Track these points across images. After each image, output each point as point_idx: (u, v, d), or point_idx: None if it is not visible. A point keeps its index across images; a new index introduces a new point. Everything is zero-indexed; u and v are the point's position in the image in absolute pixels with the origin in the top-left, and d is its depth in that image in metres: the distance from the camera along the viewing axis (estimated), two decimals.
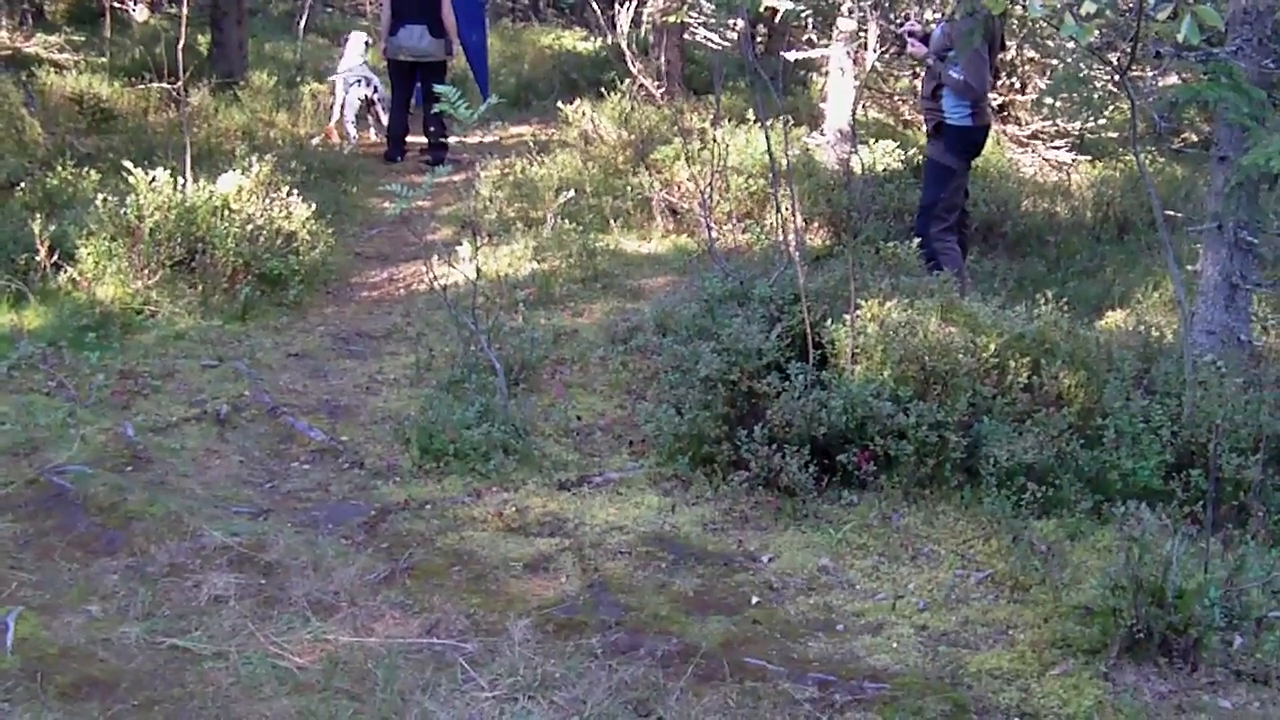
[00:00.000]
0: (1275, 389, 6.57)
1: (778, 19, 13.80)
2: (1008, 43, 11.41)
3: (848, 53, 13.64)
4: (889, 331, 6.88)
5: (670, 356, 7.56)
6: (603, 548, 5.94)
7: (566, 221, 11.26)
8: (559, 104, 15.39)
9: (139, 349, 8.32)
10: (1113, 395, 6.55)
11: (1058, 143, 15.75)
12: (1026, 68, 15.64)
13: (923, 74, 10.32)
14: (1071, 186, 14.36)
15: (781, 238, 8.88)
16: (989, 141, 10.49)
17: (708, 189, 10.84)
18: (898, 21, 13.90)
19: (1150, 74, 12.16)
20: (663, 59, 18.24)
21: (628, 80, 15.68)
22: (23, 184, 10.80)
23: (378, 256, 11.39)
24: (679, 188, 12.28)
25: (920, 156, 12.75)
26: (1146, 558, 4.88)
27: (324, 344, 8.94)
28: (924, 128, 10.60)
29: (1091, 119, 14.69)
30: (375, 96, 15.56)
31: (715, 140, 11.40)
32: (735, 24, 14.88)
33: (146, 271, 8.97)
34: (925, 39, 10.07)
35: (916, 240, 9.66)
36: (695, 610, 5.38)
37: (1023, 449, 6.23)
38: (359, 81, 15.22)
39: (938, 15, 13.28)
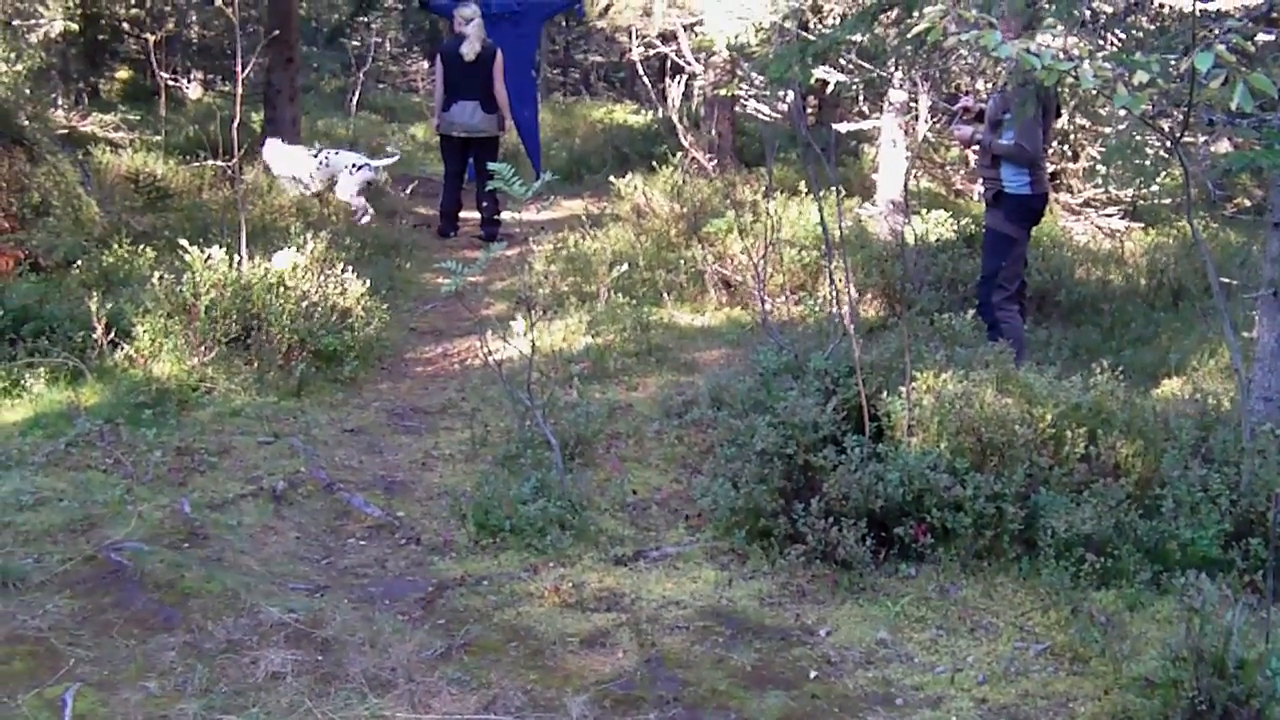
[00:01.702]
0: None
1: (829, 91, 13.85)
2: (1061, 110, 11.39)
3: (899, 124, 13.67)
4: (945, 403, 6.87)
5: (726, 430, 7.56)
6: (660, 622, 5.92)
7: (620, 295, 11.28)
8: (611, 178, 15.46)
9: (195, 426, 8.34)
10: (1170, 464, 6.52)
11: (1110, 210, 15.74)
12: (1078, 136, 15.63)
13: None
14: (1125, 254, 14.32)
15: (835, 310, 8.88)
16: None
17: (761, 261, 10.85)
18: (948, 95, 13.94)
19: (1203, 140, 12.14)
20: (714, 131, 18.32)
21: (679, 153, 15.75)
22: (79, 262, 10.87)
23: (432, 332, 11.43)
24: (732, 260, 12.30)
25: (974, 226, 12.76)
26: (1207, 628, 4.84)
27: (379, 420, 8.96)
28: (978, 196, 10.57)
29: (1144, 186, 14.67)
30: (376, 177, 15.32)
31: (768, 212, 11.41)
32: (786, 96, 14.94)
33: (203, 349, 9.02)
34: (980, 115, 10.04)
35: (974, 311, 9.65)
36: (753, 685, 5.35)
37: (1081, 520, 6.19)
38: (363, 167, 15.01)
39: (989, 85, 13.30)
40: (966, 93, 13.34)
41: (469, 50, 14.47)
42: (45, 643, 5.36)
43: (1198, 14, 6.42)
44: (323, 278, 10.05)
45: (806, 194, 13.42)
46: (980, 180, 10.45)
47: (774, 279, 11.74)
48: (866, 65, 13.34)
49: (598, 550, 6.78)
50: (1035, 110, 8.85)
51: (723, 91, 17.08)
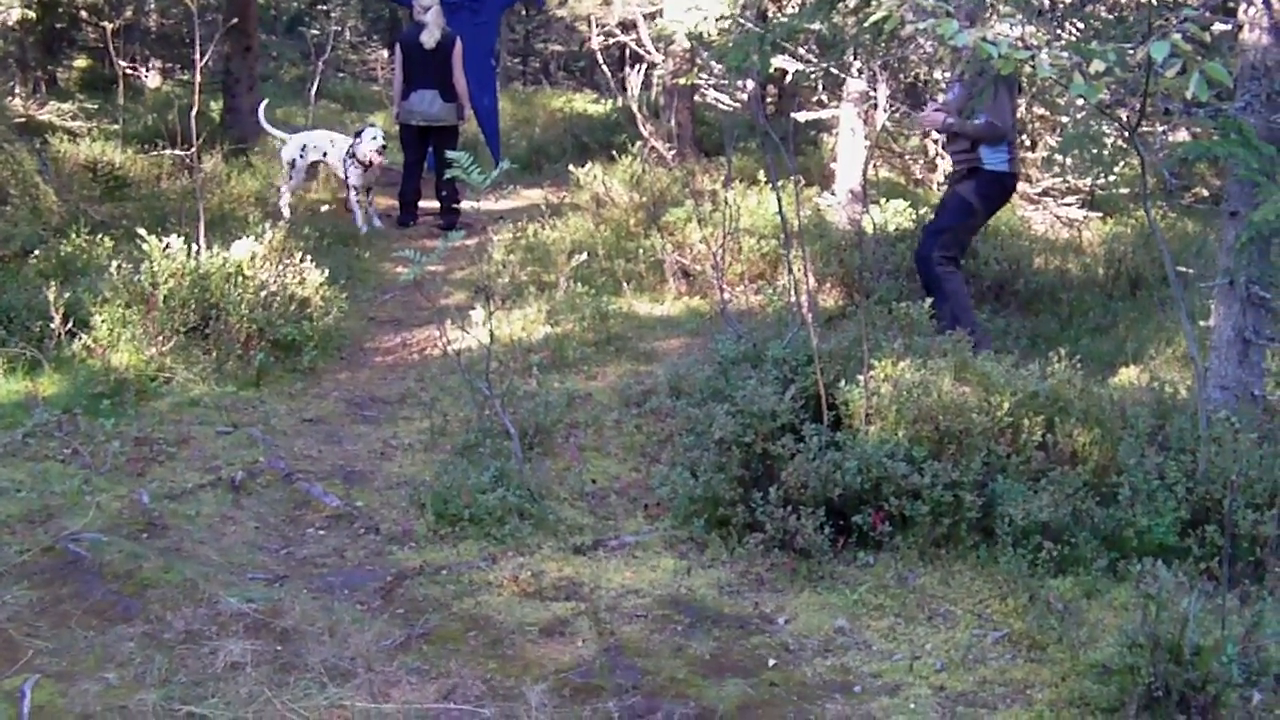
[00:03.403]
0: None
1: (788, 80, 13.88)
2: (1022, 87, 11.43)
3: (858, 113, 13.70)
4: (903, 392, 6.89)
5: (684, 419, 7.57)
6: (619, 611, 5.93)
7: (579, 285, 11.27)
8: (570, 167, 15.42)
9: (154, 416, 8.32)
10: (1127, 452, 6.55)
11: (1069, 199, 15.79)
12: (1036, 125, 15.68)
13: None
14: (1083, 243, 14.38)
15: (794, 299, 8.90)
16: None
17: (720, 251, 10.86)
18: (907, 85, 13.97)
19: (1160, 130, 12.21)
20: (674, 121, 18.35)
21: (639, 143, 15.74)
22: (37, 251, 10.83)
23: (391, 321, 11.41)
24: (691, 250, 12.30)
25: (932, 215, 12.79)
26: (1163, 615, 4.86)
27: (338, 409, 8.94)
28: (937, 186, 10.58)
29: (1102, 175, 14.72)
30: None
31: (727, 202, 11.43)
32: (746, 86, 14.95)
33: (161, 338, 8.99)
34: None
35: (919, 268, 9.73)
36: (712, 673, 5.37)
37: (1038, 507, 6.22)
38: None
39: (948, 74, 13.33)
40: (934, 91, 13.39)
41: (429, 38, 14.44)
42: (3, 634, 5.34)
43: (1154, 3, 6.45)
44: (281, 267, 10.02)
45: (765, 183, 13.42)
46: (952, 161, 10.46)
47: (733, 268, 11.75)
48: (813, 59, 13.33)
49: (557, 539, 6.78)
50: (999, 89, 8.90)
51: (682, 81, 17.10)
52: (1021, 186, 15.60)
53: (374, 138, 14.03)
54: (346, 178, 14.47)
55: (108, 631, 5.45)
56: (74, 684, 5.00)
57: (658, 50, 17.93)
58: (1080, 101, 6.66)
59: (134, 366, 8.72)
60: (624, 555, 6.62)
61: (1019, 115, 14.25)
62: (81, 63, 23.94)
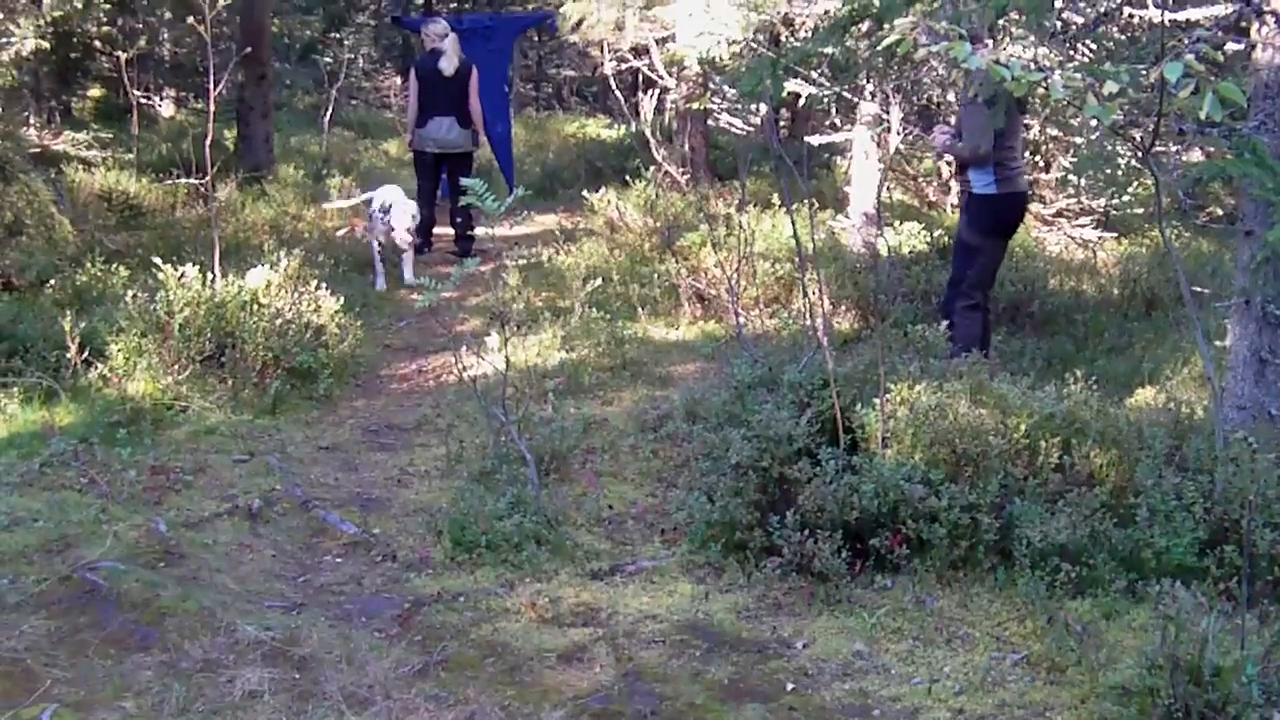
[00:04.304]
0: None
1: (801, 104, 13.88)
2: (1026, 108, 11.44)
3: (871, 136, 13.70)
4: (919, 414, 6.87)
5: (701, 444, 7.56)
6: (636, 637, 5.92)
7: (594, 310, 11.28)
8: (584, 192, 15.46)
9: (170, 444, 8.33)
10: (1144, 473, 6.53)
11: (1083, 220, 15.77)
12: (1050, 146, 15.67)
13: None
14: (1098, 264, 14.37)
15: (809, 322, 8.89)
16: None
17: (734, 275, 10.86)
18: (919, 108, 13.97)
19: (1174, 150, 12.20)
20: (687, 145, 18.36)
21: (652, 167, 15.75)
22: (53, 281, 10.87)
23: (406, 348, 11.42)
24: (706, 274, 12.31)
25: (946, 238, 12.81)
26: (1182, 636, 4.85)
27: (354, 437, 8.95)
28: (950, 208, 10.61)
29: (1116, 196, 14.71)
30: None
31: (741, 226, 11.44)
32: (758, 110, 14.96)
33: (177, 367, 9.00)
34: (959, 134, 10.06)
35: (944, 323, 9.68)
36: (730, 699, 5.35)
37: (1055, 529, 6.20)
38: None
39: (958, 98, 13.34)
40: (947, 113, 13.39)
41: (448, 66, 14.48)
42: (21, 664, 5.34)
43: (1167, 24, 6.46)
44: (296, 295, 10.04)
45: (780, 207, 13.43)
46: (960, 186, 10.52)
47: (748, 292, 11.75)
48: (825, 82, 13.32)
49: (574, 565, 6.76)
50: (981, 112, 8.91)
51: (695, 105, 17.11)
52: (1035, 208, 15.60)
53: (410, 215, 13.62)
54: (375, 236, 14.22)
55: (125, 660, 5.45)
56: (92, 713, 5.00)
57: (670, 75, 17.94)
58: (1094, 123, 6.67)
59: (150, 395, 8.74)
60: (641, 580, 6.61)
61: (1028, 137, 14.27)
62: (96, 92, 24.01)
